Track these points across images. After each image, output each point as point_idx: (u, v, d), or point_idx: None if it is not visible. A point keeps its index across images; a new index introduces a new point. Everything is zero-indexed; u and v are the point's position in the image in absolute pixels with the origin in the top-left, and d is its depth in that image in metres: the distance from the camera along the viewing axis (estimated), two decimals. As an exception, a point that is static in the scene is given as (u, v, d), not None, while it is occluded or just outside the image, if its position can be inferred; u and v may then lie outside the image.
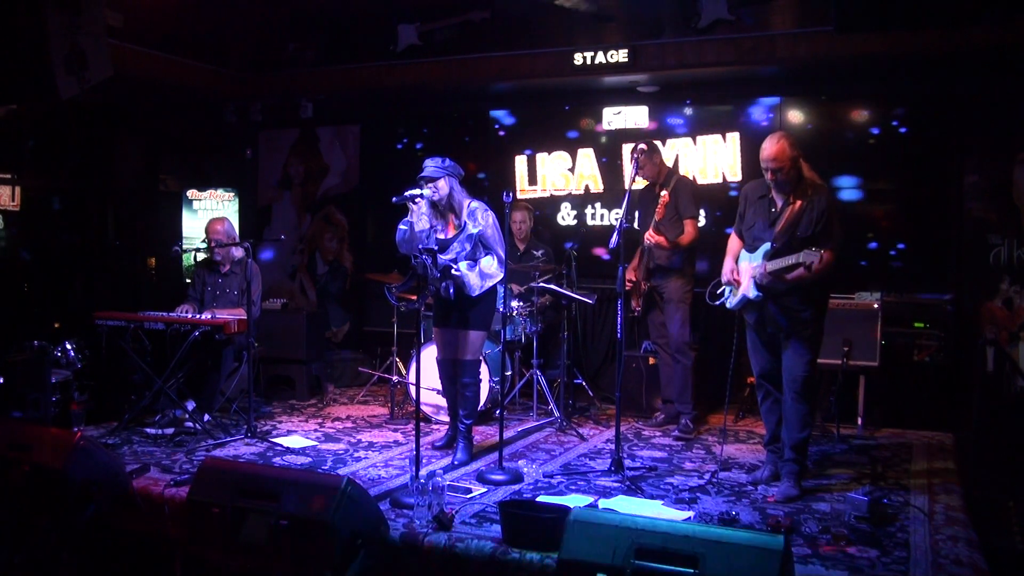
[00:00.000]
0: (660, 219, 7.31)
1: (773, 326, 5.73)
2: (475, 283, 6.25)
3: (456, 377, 6.55)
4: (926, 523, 5.19)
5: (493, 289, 6.42)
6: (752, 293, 5.67)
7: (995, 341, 7.33)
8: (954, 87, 8.12)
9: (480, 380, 6.66)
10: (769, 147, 5.54)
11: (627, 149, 9.24)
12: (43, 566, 5.27)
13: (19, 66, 6.46)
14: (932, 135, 8.27)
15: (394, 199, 6.19)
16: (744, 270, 5.77)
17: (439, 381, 6.87)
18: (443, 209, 6.38)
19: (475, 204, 6.39)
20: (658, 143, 8.12)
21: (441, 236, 6.38)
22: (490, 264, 6.32)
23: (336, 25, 9.77)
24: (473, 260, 6.33)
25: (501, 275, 6.33)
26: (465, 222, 6.33)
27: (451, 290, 6.22)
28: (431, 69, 9.43)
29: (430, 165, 6.30)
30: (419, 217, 6.24)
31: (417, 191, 6.17)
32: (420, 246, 6.12)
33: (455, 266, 6.23)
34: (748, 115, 8.98)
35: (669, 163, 8.42)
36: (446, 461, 6.44)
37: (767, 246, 5.58)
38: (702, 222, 8.37)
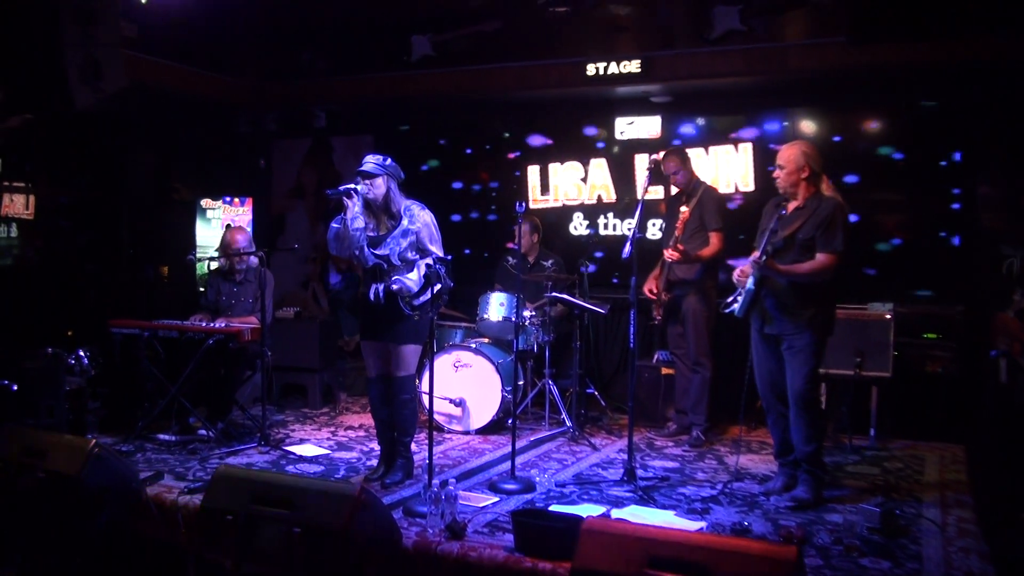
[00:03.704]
0: (680, 235, 7.30)
1: (770, 325, 5.75)
2: (412, 284, 5.86)
3: (391, 396, 6.14)
4: (938, 535, 5.19)
5: (427, 299, 5.89)
6: (750, 284, 5.69)
7: (1008, 352, 7.30)
8: (967, 98, 8.10)
9: (417, 395, 6.29)
10: (783, 148, 5.81)
11: (640, 159, 9.26)
12: (57, 573, 5.29)
13: (35, 77, 6.51)
14: (945, 145, 8.26)
15: (328, 192, 5.95)
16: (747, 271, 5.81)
17: (371, 404, 6.34)
18: (377, 210, 5.99)
19: (411, 202, 6.04)
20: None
21: (372, 234, 5.98)
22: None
23: (350, 36, 9.81)
24: (407, 262, 5.93)
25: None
26: (402, 217, 5.96)
27: (380, 293, 5.92)
28: (444, 80, 9.47)
29: (370, 161, 5.94)
30: (353, 216, 5.83)
31: (352, 185, 5.88)
32: (356, 250, 5.89)
33: (395, 276, 5.88)
34: (760, 125, 8.99)
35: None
36: (455, 471, 6.46)
37: (766, 244, 5.64)
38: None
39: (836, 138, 8.64)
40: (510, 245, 9.40)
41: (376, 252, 5.93)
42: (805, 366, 5.66)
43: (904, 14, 7.06)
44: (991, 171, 8.13)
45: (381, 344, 6.11)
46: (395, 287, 5.86)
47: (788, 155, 5.73)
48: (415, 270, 5.90)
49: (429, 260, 5.86)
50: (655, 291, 7.61)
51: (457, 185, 10.41)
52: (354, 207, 5.85)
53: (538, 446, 7.42)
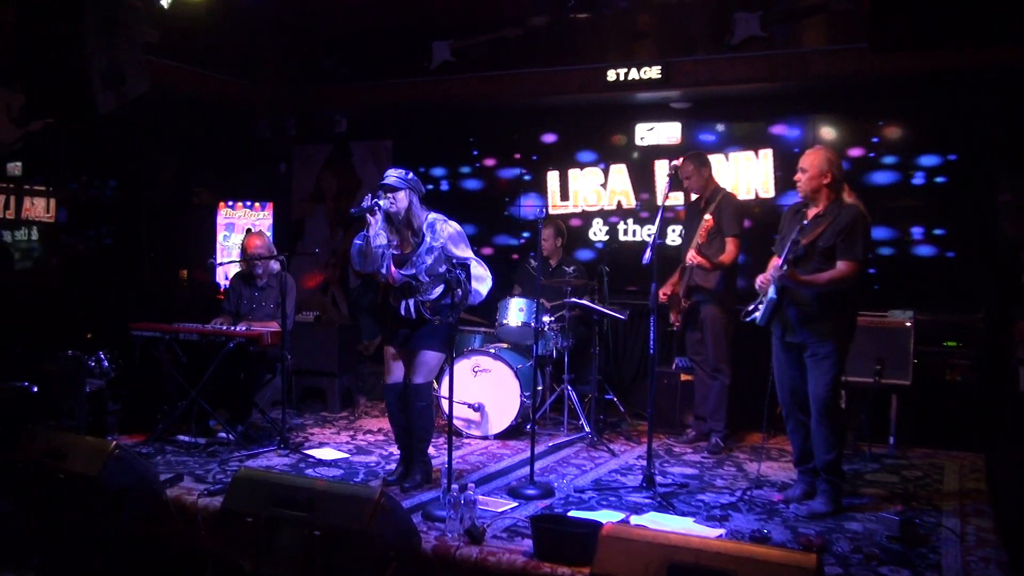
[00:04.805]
0: (703, 241, 7.29)
1: (792, 334, 5.73)
2: (474, 288, 5.88)
3: (408, 403, 6.12)
4: (958, 544, 5.16)
5: (447, 304, 5.87)
6: (772, 293, 5.68)
7: (1028, 361, 7.28)
8: (989, 105, 8.07)
9: (433, 402, 6.33)
10: (807, 153, 5.80)
11: (660, 165, 9.25)
12: (76, 574, 5.32)
13: (57, 81, 6.53)
14: (966, 153, 8.22)
15: (352, 211, 5.92)
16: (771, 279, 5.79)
17: (388, 410, 6.38)
18: (399, 224, 5.97)
19: (434, 216, 6.02)
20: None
21: (396, 252, 5.99)
22: (475, 268, 5.94)
23: (370, 42, 9.84)
24: (436, 276, 5.95)
25: (489, 275, 6.02)
26: (424, 235, 5.95)
27: (411, 308, 5.94)
28: (464, 85, 9.49)
29: (392, 175, 5.93)
30: (376, 233, 5.80)
31: (374, 201, 5.84)
32: (379, 267, 5.89)
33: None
34: (780, 131, 8.97)
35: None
36: (474, 475, 6.46)
37: (787, 252, 5.63)
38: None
39: (855, 144, 8.60)
40: (531, 254, 9.41)
41: (404, 272, 5.94)
42: (828, 374, 5.64)
43: (926, 20, 7.02)
44: (1012, 179, 8.09)
45: (404, 348, 6.12)
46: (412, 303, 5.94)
47: (812, 160, 5.71)
48: (439, 288, 5.98)
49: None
50: (671, 294, 7.60)
51: (475, 189, 10.46)
52: (376, 224, 5.83)
53: (557, 451, 7.42)
